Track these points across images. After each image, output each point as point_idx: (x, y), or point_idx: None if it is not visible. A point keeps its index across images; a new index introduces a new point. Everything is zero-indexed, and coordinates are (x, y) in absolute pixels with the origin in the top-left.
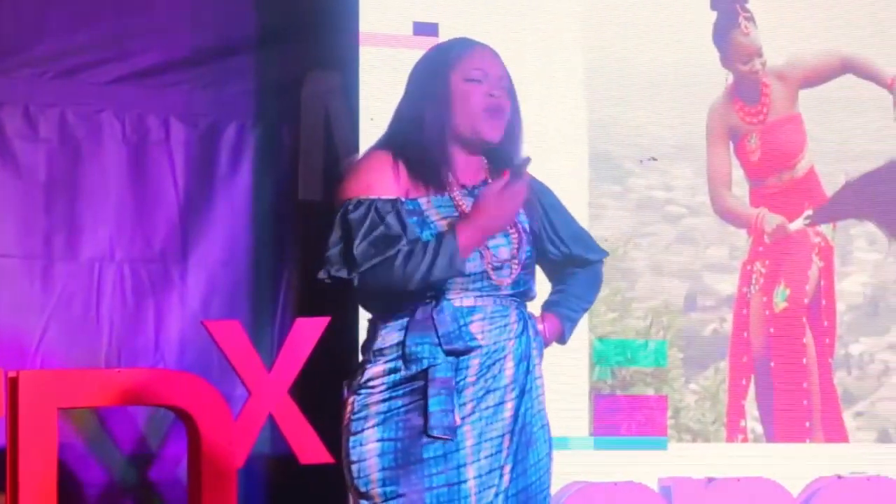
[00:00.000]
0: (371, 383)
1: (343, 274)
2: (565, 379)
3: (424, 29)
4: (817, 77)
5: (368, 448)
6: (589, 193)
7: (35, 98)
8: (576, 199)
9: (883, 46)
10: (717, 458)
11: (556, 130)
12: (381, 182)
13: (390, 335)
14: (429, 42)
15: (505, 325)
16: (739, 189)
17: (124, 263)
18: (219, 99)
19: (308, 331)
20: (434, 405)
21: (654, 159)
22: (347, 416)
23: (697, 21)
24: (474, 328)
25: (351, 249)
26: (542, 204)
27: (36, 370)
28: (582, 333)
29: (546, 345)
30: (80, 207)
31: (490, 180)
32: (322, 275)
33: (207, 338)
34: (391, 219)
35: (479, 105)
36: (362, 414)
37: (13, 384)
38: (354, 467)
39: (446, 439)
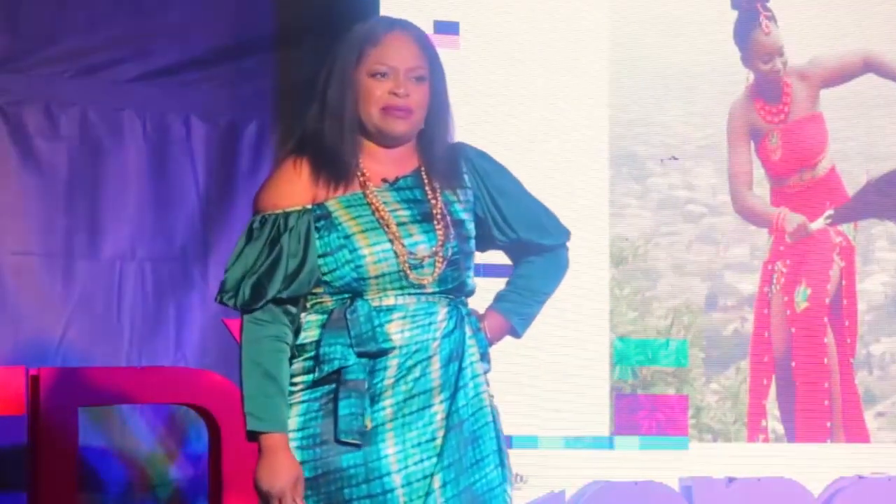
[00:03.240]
0: (291, 381)
1: (231, 304)
2: (586, 378)
3: (445, 28)
4: (839, 76)
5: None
6: (610, 192)
7: (56, 96)
8: (597, 197)
9: None
10: (738, 457)
11: (578, 128)
12: (289, 193)
13: (310, 331)
14: (450, 41)
15: (429, 325)
16: (760, 188)
17: (145, 262)
18: (239, 97)
19: None
20: (343, 408)
21: (676, 158)
22: None
23: (719, 20)
24: (393, 328)
25: (243, 279)
26: (488, 187)
27: (57, 368)
28: (602, 332)
29: (490, 343)
30: (101, 206)
31: (422, 168)
32: (217, 298)
33: (228, 336)
34: (289, 239)
35: (379, 103)
36: None
37: (34, 382)
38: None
39: (356, 445)
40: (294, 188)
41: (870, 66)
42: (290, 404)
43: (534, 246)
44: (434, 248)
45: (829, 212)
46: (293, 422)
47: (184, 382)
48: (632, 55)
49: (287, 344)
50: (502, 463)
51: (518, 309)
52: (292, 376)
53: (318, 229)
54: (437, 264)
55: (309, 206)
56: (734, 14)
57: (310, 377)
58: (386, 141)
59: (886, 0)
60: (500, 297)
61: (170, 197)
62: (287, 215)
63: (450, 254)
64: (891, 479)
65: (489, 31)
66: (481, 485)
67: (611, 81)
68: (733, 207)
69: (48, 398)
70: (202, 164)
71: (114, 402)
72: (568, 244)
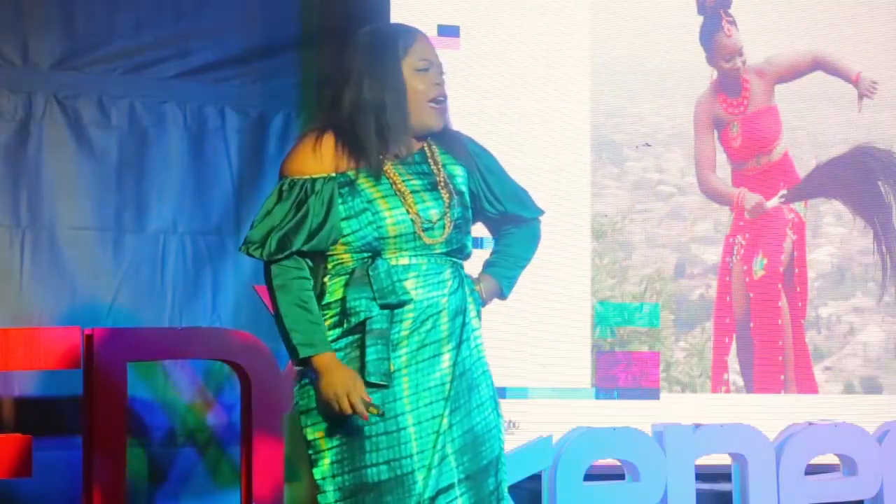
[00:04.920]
0: None
1: (257, 255)
2: (571, 337)
3: (448, 31)
4: (791, 73)
5: (314, 398)
6: (591, 174)
7: (108, 91)
8: (579, 179)
9: (851, 47)
10: (703, 407)
11: (563, 119)
12: (314, 161)
13: (334, 292)
14: (452, 42)
15: (439, 283)
16: (723, 171)
17: (185, 235)
18: (268, 91)
19: None
20: (371, 354)
21: (648, 145)
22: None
23: (686, 24)
24: (409, 285)
25: (270, 233)
26: (480, 167)
27: (108, 328)
28: (585, 297)
29: (484, 303)
30: (146, 186)
31: (426, 148)
32: (242, 248)
33: (258, 300)
34: (315, 201)
35: (427, 94)
36: None
37: (89, 340)
38: (303, 417)
39: (382, 385)
40: (319, 158)
41: (818, 64)
42: None
43: (515, 218)
44: (443, 212)
45: (783, 192)
46: None
47: (219, 341)
48: (611, 54)
49: (311, 283)
50: (496, 408)
51: (505, 273)
52: None
53: (341, 195)
54: (446, 226)
55: (333, 175)
56: (700, 19)
57: (336, 331)
58: (422, 133)
59: (833, 7)
60: (489, 264)
61: (207, 178)
62: (314, 181)
63: (455, 217)
64: (836, 426)
65: (486, 34)
66: (481, 426)
67: (592, 78)
68: (699, 188)
69: (101, 354)
70: (235, 150)
71: (158, 358)
72: (541, 218)
